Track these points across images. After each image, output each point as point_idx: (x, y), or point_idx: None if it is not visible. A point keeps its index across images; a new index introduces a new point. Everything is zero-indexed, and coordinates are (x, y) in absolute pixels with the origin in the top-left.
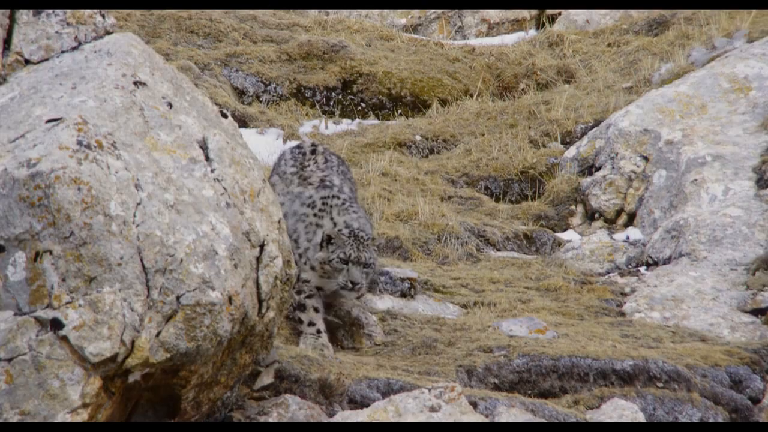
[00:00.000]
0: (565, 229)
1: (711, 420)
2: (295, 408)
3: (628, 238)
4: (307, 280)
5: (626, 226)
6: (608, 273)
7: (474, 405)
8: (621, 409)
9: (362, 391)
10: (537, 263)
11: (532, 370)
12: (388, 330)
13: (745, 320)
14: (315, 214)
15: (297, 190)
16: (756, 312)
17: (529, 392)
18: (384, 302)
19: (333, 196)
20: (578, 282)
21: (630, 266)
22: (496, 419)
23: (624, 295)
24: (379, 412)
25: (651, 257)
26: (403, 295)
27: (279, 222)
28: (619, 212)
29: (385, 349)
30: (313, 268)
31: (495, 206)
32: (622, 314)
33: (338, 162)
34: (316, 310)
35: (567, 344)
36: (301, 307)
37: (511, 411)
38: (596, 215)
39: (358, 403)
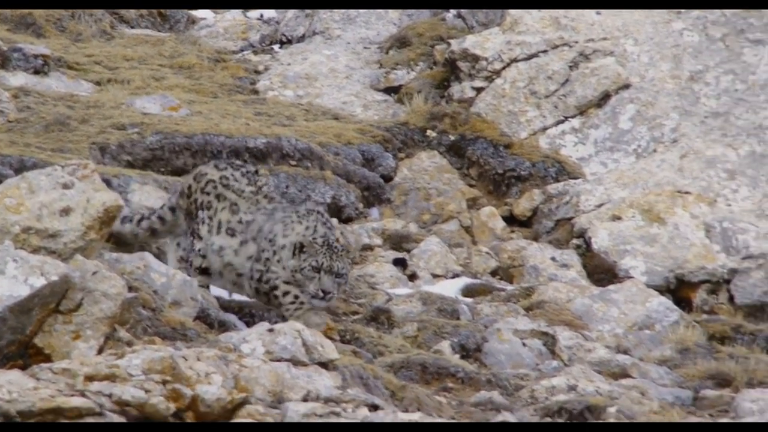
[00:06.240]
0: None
1: (343, 198)
2: None
3: (261, 16)
4: (275, 271)
5: None
6: (242, 51)
7: (107, 182)
8: None
9: None
10: (171, 41)
11: (166, 147)
12: (21, 107)
13: (378, 98)
14: (298, 217)
15: (271, 206)
16: (389, 90)
17: (162, 170)
18: (17, 79)
19: (317, 211)
20: (212, 60)
21: (264, 44)
22: (129, 196)
23: (257, 73)
24: (12, 188)
25: (285, 35)
26: (37, 71)
27: None
28: None
29: (18, 125)
30: (285, 268)
31: None
32: (256, 92)
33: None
34: (287, 282)
35: (200, 122)
36: (274, 288)
37: (144, 188)
38: None
39: None
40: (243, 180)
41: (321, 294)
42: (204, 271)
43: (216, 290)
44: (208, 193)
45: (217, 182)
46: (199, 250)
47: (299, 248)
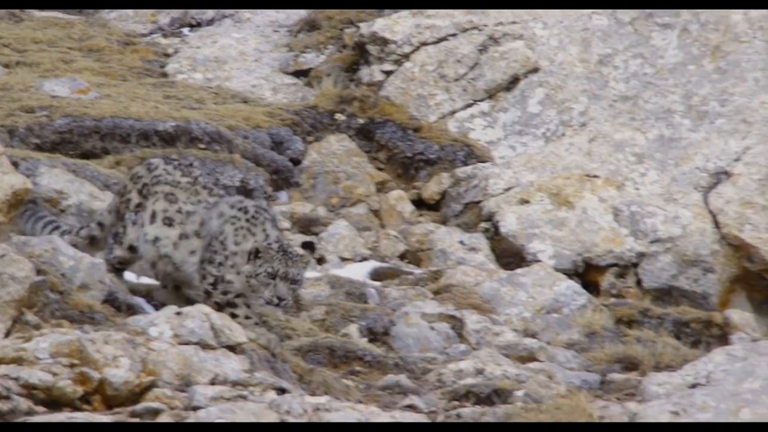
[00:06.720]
0: None
1: (251, 181)
2: None
3: None
4: (231, 282)
5: None
6: (151, 34)
7: (15, 165)
8: None
9: None
10: (80, 24)
11: (75, 130)
12: None
13: (287, 82)
14: (248, 220)
15: (213, 199)
16: (298, 73)
17: (71, 153)
18: None
19: (264, 209)
20: (121, 43)
21: (173, 27)
22: (37, 179)
23: (167, 56)
24: None
25: (194, 18)
26: None
27: None
28: None
29: None
30: (239, 273)
31: None
32: (165, 75)
33: None
34: (247, 305)
35: (109, 105)
36: (233, 305)
37: (53, 171)
38: None
39: None
40: (176, 172)
41: (276, 300)
42: (119, 271)
43: (127, 274)
44: (144, 196)
45: (150, 184)
46: (115, 257)
47: (255, 253)
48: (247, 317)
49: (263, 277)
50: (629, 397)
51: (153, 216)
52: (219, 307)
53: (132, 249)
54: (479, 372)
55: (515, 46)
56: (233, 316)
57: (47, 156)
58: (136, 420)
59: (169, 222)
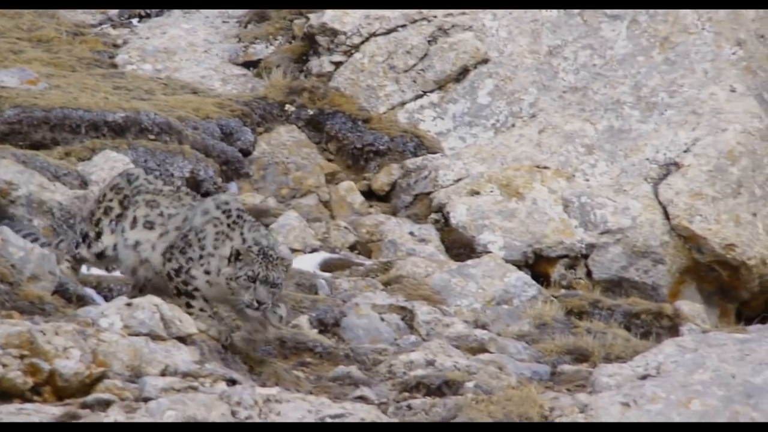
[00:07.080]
0: None
1: (201, 172)
2: None
3: None
4: (194, 277)
5: None
6: (101, 24)
7: None
8: (112, 160)
9: None
10: (29, 14)
11: (24, 121)
12: None
13: (236, 73)
14: (228, 225)
15: (197, 202)
16: (248, 64)
17: (21, 143)
18: None
19: (244, 212)
20: (70, 33)
21: (122, 18)
22: None
23: (116, 46)
24: None
25: (143, 9)
26: None
27: None
28: None
29: None
30: (208, 272)
31: None
32: (115, 66)
33: None
34: (205, 300)
35: (59, 96)
36: (190, 296)
37: (2, 162)
38: None
39: None
40: (158, 181)
41: (255, 304)
42: (79, 263)
43: None
44: (125, 207)
45: (131, 195)
46: (79, 255)
47: (235, 256)
48: (201, 309)
49: (243, 280)
50: (580, 389)
51: (134, 221)
52: (178, 293)
53: (100, 256)
54: (430, 363)
55: (465, 38)
56: (188, 305)
57: None
58: (87, 411)
59: (150, 226)
